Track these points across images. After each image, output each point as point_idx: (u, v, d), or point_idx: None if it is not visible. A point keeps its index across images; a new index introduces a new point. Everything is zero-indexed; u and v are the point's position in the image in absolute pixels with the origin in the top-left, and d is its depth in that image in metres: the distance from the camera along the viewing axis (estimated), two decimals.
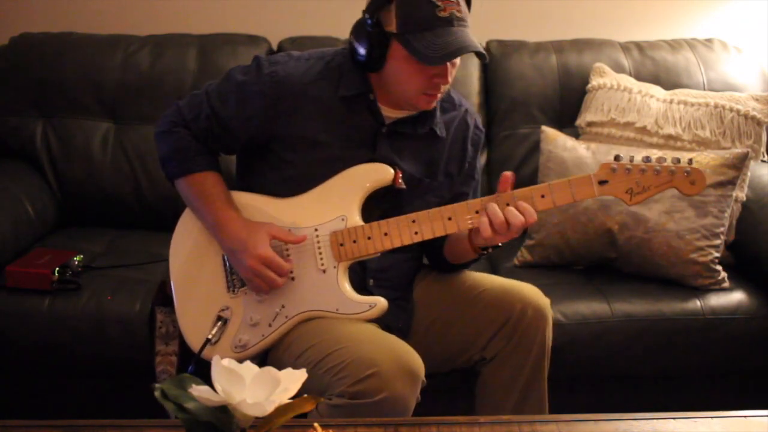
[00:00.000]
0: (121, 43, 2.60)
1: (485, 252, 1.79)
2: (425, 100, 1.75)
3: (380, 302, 1.75)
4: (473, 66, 2.63)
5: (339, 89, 1.79)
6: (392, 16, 1.69)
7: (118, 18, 2.79)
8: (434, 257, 1.95)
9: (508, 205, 1.68)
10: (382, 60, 1.73)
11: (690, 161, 1.69)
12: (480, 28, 2.72)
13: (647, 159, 1.69)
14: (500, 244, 1.75)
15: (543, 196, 1.70)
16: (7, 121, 2.55)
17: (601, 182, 1.70)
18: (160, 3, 2.81)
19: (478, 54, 1.70)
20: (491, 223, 1.67)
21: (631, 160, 1.69)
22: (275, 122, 1.79)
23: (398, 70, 1.72)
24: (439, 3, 1.66)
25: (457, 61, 1.73)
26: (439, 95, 1.77)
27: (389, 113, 1.81)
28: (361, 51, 1.74)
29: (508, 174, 1.72)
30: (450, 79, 1.74)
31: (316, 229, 1.78)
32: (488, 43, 2.69)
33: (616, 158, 1.69)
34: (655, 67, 2.61)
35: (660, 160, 1.69)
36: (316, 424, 1.21)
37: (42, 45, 2.59)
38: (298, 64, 1.82)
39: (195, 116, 1.83)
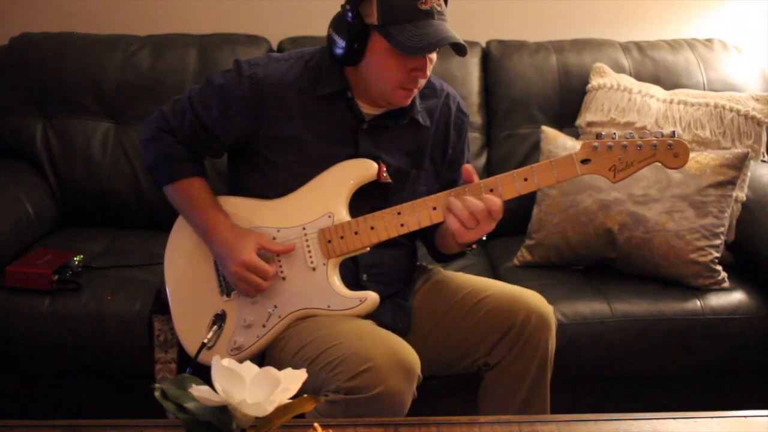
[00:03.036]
0: (121, 43, 2.60)
1: (470, 247, 1.80)
2: (402, 94, 1.76)
3: (371, 296, 1.76)
4: (473, 66, 2.63)
5: (317, 88, 1.80)
6: (373, 9, 1.69)
7: (118, 18, 2.79)
8: (430, 248, 1.98)
9: (492, 191, 1.68)
10: (361, 53, 1.73)
11: (673, 134, 1.67)
12: (480, 28, 2.76)
13: (630, 135, 1.68)
14: (484, 237, 1.75)
15: (526, 179, 1.70)
16: (7, 121, 2.55)
17: (584, 161, 1.68)
18: (160, 3, 2.81)
19: (459, 48, 1.70)
20: (458, 219, 1.67)
21: (614, 137, 1.68)
22: (257, 124, 1.81)
23: (377, 63, 1.73)
24: None
25: (434, 56, 1.74)
26: (416, 90, 1.78)
27: (368, 110, 1.82)
28: (341, 44, 1.74)
29: (468, 166, 1.72)
30: (428, 73, 1.75)
31: (303, 228, 1.79)
32: (488, 43, 2.70)
33: (598, 136, 1.68)
34: (655, 67, 2.61)
35: (642, 134, 1.68)
36: (316, 424, 1.21)
37: (42, 45, 2.59)
38: (277, 65, 1.84)
39: (179, 122, 1.85)
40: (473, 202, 1.66)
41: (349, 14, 1.72)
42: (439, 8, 1.70)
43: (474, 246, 1.80)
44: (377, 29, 1.70)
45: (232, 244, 1.77)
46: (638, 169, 1.68)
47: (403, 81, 1.73)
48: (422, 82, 1.77)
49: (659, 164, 1.68)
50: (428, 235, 1.92)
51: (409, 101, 1.79)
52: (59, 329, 2.07)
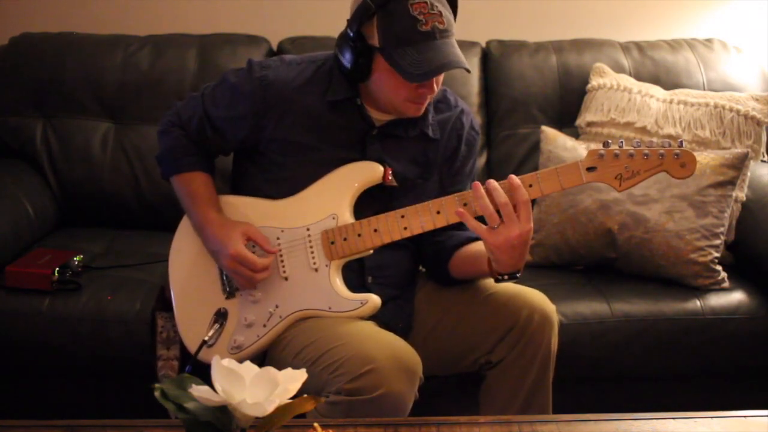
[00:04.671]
0: (121, 43, 2.60)
1: (503, 278, 1.72)
2: (413, 107, 1.75)
3: (372, 299, 1.76)
4: (473, 66, 2.62)
5: (327, 94, 1.80)
6: (374, 31, 1.68)
7: (118, 18, 2.79)
8: (435, 269, 1.91)
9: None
10: (367, 71, 1.72)
11: (680, 143, 1.65)
12: (480, 28, 2.76)
13: (636, 143, 1.66)
14: (518, 274, 1.69)
15: (530, 186, 1.67)
16: (7, 121, 2.55)
17: (589, 169, 1.66)
18: (160, 3, 2.81)
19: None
20: (492, 200, 1.61)
21: (621, 145, 1.66)
22: (265, 126, 1.81)
23: (383, 82, 1.72)
24: (420, 17, 1.64)
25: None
26: (427, 102, 1.76)
27: (379, 116, 1.82)
28: (346, 63, 1.73)
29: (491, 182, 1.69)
30: (436, 89, 1.73)
31: (307, 229, 1.79)
32: (488, 43, 2.70)
33: (605, 144, 1.67)
34: (655, 67, 2.61)
35: (649, 143, 1.66)
36: (316, 424, 1.21)
37: (42, 45, 2.59)
38: (288, 68, 1.84)
39: (189, 117, 1.88)
40: (499, 194, 1.61)
41: (351, 35, 1.70)
42: (441, 26, 1.66)
43: (506, 278, 1.71)
44: (379, 51, 1.68)
45: (221, 239, 1.77)
46: (644, 179, 1.66)
47: (411, 98, 1.72)
48: (433, 95, 1.76)
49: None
50: (440, 258, 1.87)
51: (421, 112, 1.78)
52: (59, 329, 2.07)
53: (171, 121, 1.90)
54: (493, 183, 1.64)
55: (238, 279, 1.78)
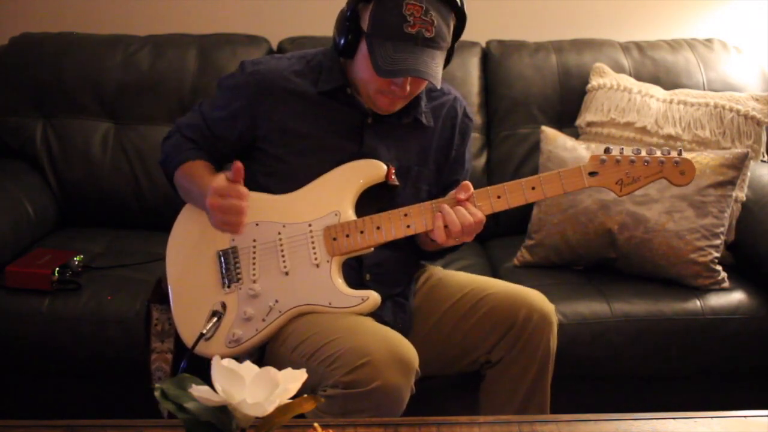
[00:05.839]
0: (121, 43, 2.60)
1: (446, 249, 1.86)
2: (385, 101, 1.77)
3: (372, 296, 1.76)
4: (473, 66, 2.63)
5: (318, 84, 1.83)
6: (367, 15, 1.72)
7: (118, 18, 2.79)
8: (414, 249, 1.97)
9: (499, 197, 1.72)
10: (352, 51, 1.76)
11: (680, 152, 1.70)
12: (480, 28, 2.75)
13: (637, 150, 1.70)
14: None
15: (533, 188, 1.72)
16: (7, 121, 2.55)
17: (591, 173, 1.71)
18: (160, 3, 2.82)
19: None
20: (446, 226, 1.70)
21: (621, 151, 1.71)
22: (260, 118, 1.83)
23: (361, 66, 1.75)
24: (410, 18, 1.66)
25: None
26: (399, 102, 1.78)
27: (370, 105, 1.83)
28: (337, 37, 1.78)
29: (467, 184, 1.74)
30: (408, 93, 1.75)
31: (309, 225, 1.79)
32: (488, 43, 2.70)
33: (607, 150, 1.71)
34: (655, 67, 2.61)
35: (650, 151, 1.71)
36: (316, 424, 1.21)
37: (42, 45, 2.59)
38: (279, 62, 1.88)
39: (188, 125, 1.92)
40: (466, 217, 1.69)
41: (348, 13, 1.74)
42: (428, 34, 1.67)
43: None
44: (365, 35, 1.72)
45: (205, 187, 1.70)
46: (645, 185, 1.71)
47: (382, 89, 1.75)
48: (409, 93, 1.77)
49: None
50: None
51: (393, 108, 1.80)
52: (59, 329, 2.07)
53: (172, 130, 1.94)
54: (459, 216, 1.71)
55: (227, 217, 1.68)
